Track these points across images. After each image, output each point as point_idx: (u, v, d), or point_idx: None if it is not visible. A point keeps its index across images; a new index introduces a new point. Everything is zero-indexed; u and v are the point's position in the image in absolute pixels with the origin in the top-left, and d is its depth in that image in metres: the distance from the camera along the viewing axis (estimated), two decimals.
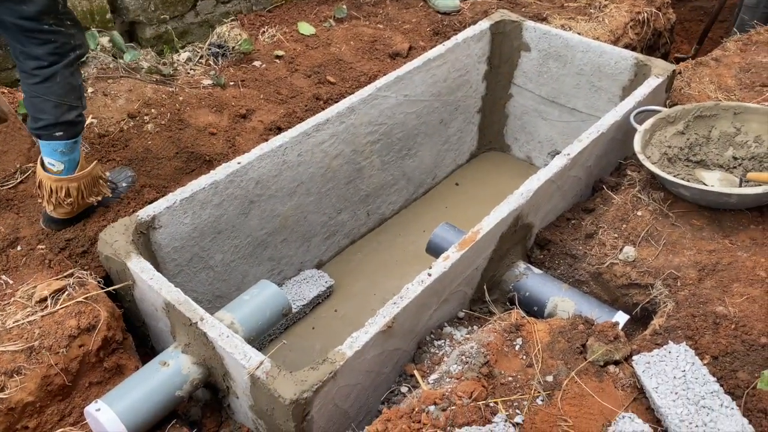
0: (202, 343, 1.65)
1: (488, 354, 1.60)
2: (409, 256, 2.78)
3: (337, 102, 2.55)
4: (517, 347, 1.66)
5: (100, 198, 2.02)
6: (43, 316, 1.67)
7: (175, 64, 2.74)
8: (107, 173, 2.12)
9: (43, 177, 1.89)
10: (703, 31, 4.32)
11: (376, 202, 2.82)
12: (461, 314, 2.01)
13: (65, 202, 1.92)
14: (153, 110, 2.45)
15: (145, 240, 1.95)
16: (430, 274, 1.75)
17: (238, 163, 2.13)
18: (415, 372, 1.69)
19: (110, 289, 1.81)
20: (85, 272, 1.83)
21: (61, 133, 1.83)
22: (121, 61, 2.59)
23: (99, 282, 1.83)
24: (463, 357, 1.60)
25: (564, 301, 1.99)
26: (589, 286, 2.13)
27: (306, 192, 2.43)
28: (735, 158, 2.26)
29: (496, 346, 1.63)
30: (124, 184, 2.15)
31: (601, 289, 2.10)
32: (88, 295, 1.73)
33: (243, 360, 1.54)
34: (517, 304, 2.03)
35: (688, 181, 2.16)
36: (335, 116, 2.39)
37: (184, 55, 2.81)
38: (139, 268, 1.77)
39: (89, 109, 2.40)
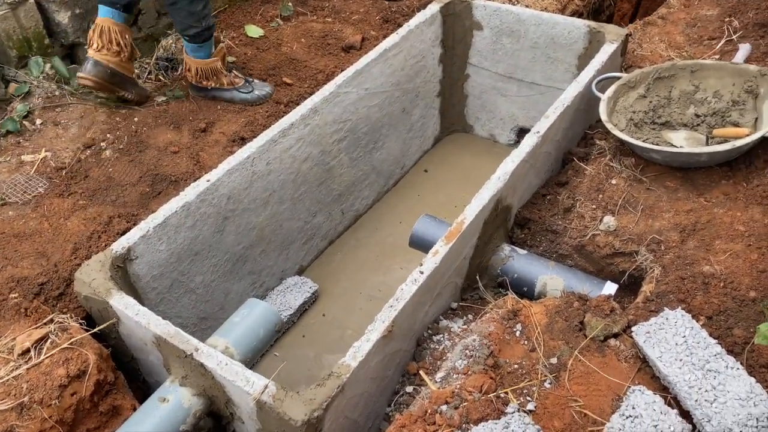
0: (200, 374, 1.60)
1: (491, 345, 1.60)
2: (389, 250, 2.77)
3: (297, 104, 2.50)
4: (517, 333, 1.66)
5: (215, 84, 2.60)
6: (28, 369, 1.60)
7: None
8: (256, 80, 2.70)
9: (184, 55, 2.61)
10: None
11: (349, 200, 2.79)
12: (454, 305, 2.00)
13: (188, 75, 2.63)
14: (109, 135, 2.35)
15: (122, 273, 1.88)
16: (422, 272, 1.73)
17: (207, 180, 2.07)
18: (421, 372, 1.68)
19: (95, 330, 1.74)
20: (64, 316, 1.75)
21: (187, 38, 2.51)
22: (67, 87, 2.48)
23: (81, 324, 1.76)
24: (467, 351, 1.60)
25: (553, 279, 2.01)
26: (573, 260, 2.15)
27: (279, 200, 2.38)
28: (697, 115, 2.30)
29: (498, 336, 1.63)
30: (257, 93, 2.63)
31: (586, 260, 2.12)
32: (72, 339, 1.66)
33: (246, 386, 1.51)
34: (509, 288, 2.03)
35: (657, 144, 2.19)
36: (299, 119, 2.33)
37: None
38: (123, 304, 1.71)
39: (40, 142, 2.29)
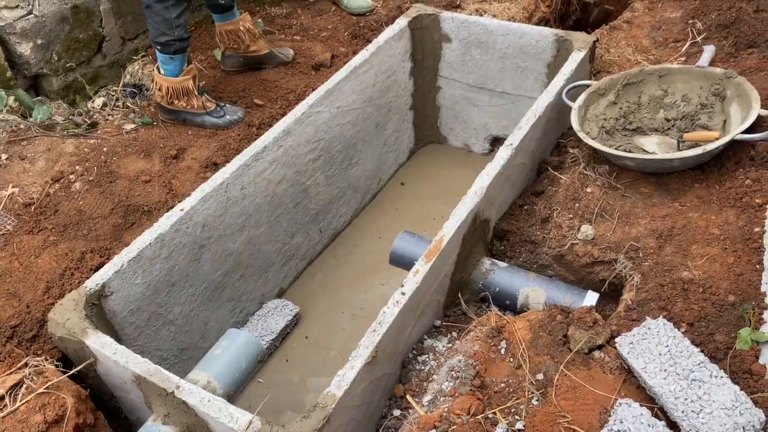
0: (183, 411, 1.57)
1: (477, 364, 1.59)
2: (369, 266, 2.75)
3: (270, 126, 2.48)
4: (502, 350, 1.66)
5: (185, 105, 2.54)
6: (4, 416, 1.55)
7: (91, 112, 2.59)
8: (227, 105, 2.65)
9: (155, 74, 2.55)
10: None
11: (327, 218, 2.77)
12: (438, 323, 1.99)
13: (158, 94, 2.55)
14: (78, 167, 2.30)
15: (98, 310, 1.84)
16: (403, 293, 1.72)
17: (181, 210, 2.04)
18: (408, 396, 1.66)
19: (72, 372, 1.69)
20: (39, 358, 1.70)
21: (159, 47, 2.45)
22: (31, 119, 2.43)
23: (57, 365, 1.71)
24: (453, 372, 1.58)
25: (534, 291, 2.01)
26: (553, 269, 2.16)
27: (255, 224, 2.35)
28: (667, 119, 2.33)
29: (483, 355, 1.62)
30: (228, 117, 2.58)
31: (566, 270, 2.13)
32: (49, 383, 1.61)
33: (230, 422, 1.47)
34: (491, 303, 2.03)
35: (630, 150, 2.20)
36: (272, 142, 2.31)
37: (98, 101, 2.66)
38: (100, 344, 1.66)
39: (6, 178, 2.24)
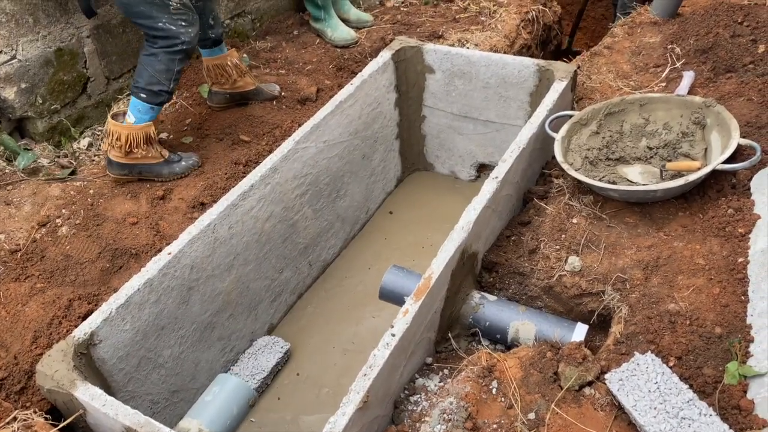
0: None
1: (469, 406, 1.59)
2: (360, 298, 2.75)
3: (257, 162, 2.49)
4: (494, 390, 1.66)
5: (145, 154, 2.44)
6: None
7: (77, 153, 2.59)
8: (179, 153, 2.57)
9: (111, 124, 2.41)
10: (573, 23, 4.50)
11: (316, 251, 2.77)
12: (429, 360, 1.99)
13: (115, 145, 2.41)
14: (64, 211, 2.30)
15: (87, 359, 1.82)
16: (393, 334, 1.72)
17: (169, 253, 2.03)
18: None
19: (62, 425, 1.67)
20: (28, 411, 1.68)
21: (144, 95, 2.38)
22: (16, 163, 2.42)
23: (47, 418, 1.70)
24: (445, 415, 1.58)
25: (524, 324, 2.01)
26: (542, 301, 2.17)
27: (243, 262, 2.35)
28: (650, 148, 2.36)
29: (474, 396, 1.62)
30: (183, 164, 2.52)
31: (555, 301, 2.14)
32: None
33: None
34: (481, 339, 2.03)
35: (613, 181, 2.23)
36: (259, 180, 2.32)
37: (84, 141, 2.66)
38: (89, 395, 1.65)
39: None
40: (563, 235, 2.18)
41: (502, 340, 2.06)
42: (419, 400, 1.82)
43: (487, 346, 2.10)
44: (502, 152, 3.11)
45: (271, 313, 2.59)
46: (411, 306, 1.79)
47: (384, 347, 1.70)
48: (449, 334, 2.08)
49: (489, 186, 2.16)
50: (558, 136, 2.33)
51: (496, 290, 2.25)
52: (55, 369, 1.71)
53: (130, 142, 2.39)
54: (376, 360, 1.67)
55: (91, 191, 2.39)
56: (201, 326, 2.23)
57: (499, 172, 2.21)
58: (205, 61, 2.80)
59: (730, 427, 1.38)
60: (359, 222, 3.05)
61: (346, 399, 1.60)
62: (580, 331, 1.96)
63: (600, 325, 2.05)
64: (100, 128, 2.71)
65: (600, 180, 2.19)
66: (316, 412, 2.35)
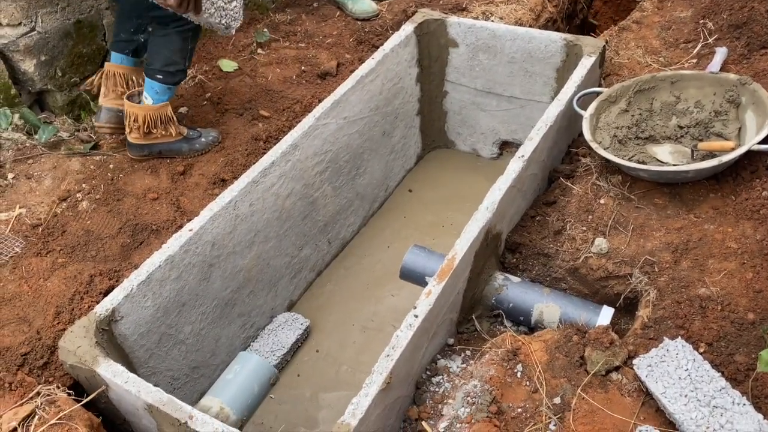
0: None
1: (493, 389, 1.57)
2: (379, 277, 2.72)
3: (276, 139, 2.46)
4: (518, 374, 1.63)
5: (164, 133, 2.40)
6: None
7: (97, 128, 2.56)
8: (199, 129, 2.53)
9: (128, 106, 2.37)
10: None
11: (335, 228, 2.75)
12: (451, 341, 1.97)
13: (133, 127, 2.38)
14: (84, 185, 2.28)
15: (108, 336, 1.82)
16: (416, 315, 1.70)
17: (190, 230, 2.02)
18: (423, 423, 1.64)
19: (85, 401, 1.67)
20: (51, 387, 1.69)
21: (161, 77, 2.34)
22: (36, 137, 2.41)
23: (70, 393, 1.70)
24: (469, 398, 1.56)
25: (549, 307, 1.98)
26: (567, 283, 2.13)
27: (264, 239, 2.33)
28: (680, 127, 2.29)
29: (499, 379, 1.60)
30: (204, 140, 2.48)
31: (580, 283, 2.10)
32: (61, 414, 1.60)
33: None
34: (505, 321, 2.00)
35: (642, 160, 2.17)
36: (280, 157, 2.29)
37: None
38: (111, 372, 1.65)
39: (13, 198, 2.22)
40: (590, 216, 2.13)
41: (525, 322, 2.03)
42: (441, 381, 1.80)
43: (509, 327, 2.07)
44: (526, 130, 3.05)
45: (291, 290, 2.58)
46: (434, 287, 1.76)
47: (407, 328, 1.67)
48: (472, 315, 2.05)
49: (515, 165, 2.11)
50: (586, 114, 2.27)
51: (520, 271, 2.21)
52: (77, 345, 1.71)
53: (148, 123, 2.36)
54: (399, 341, 1.65)
55: (111, 166, 2.37)
56: (222, 303, 2.22)
57: (525, 150, 2.16)
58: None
59: (765, 417, 1.34)
60: (378, 200, 3.01)
61: (369, 380, 1.58)
62: (606, 315, 1.92)
63: (626, 308, 2.01)
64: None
65: (629, 159, 2.13)
66: (335, 390, 2.35)
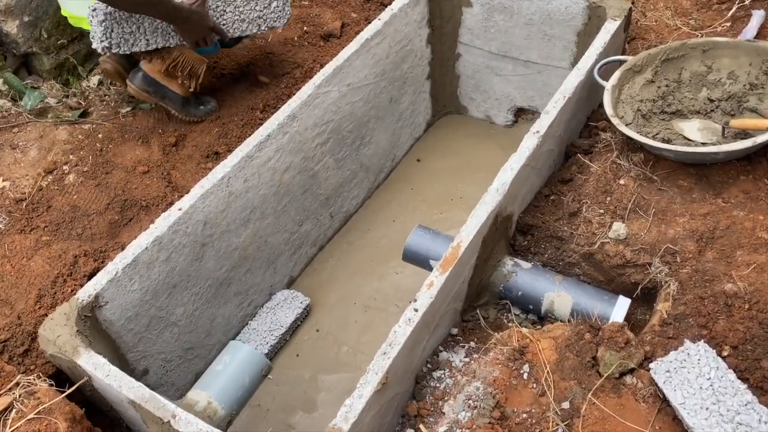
0: None
1: (496, 393, 1.46)
2: (383, 252, 2.60)
3: (274, 108, 2.31)
4: (525, 375, 1.52)
5: (179, 83, 2.30)
6: None
7: (86, 92, 2.43)
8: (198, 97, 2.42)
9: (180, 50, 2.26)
10: None
11: (338, 202, 2.62)
12: (454, 331, 1.86)
13: (158, 57, 2.25)
14: (71, 156, 2.16)
15: (92, 322, 1.73)
16: (416, 309, 1.58)
17: (179, 209, 1.89)
18: (421, 426, 1.54)
19: (66, 393, 1.59)
20: (31, 377, 1.60)
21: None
22: (22, 103, 2.28)
23: (51, 384, 1.61)
24: (471, 401, 1.46)
25: (560, 296, 1.85)
26: (581, 268, 2.00)
27: (261, 216, 2.21)
28: (711, 100, 2.10)
29: (503, 382, 1.49)
30: (202, 108, 2.39)
31: (595, 270, 1.96)
32: (41, 407, 1.52)
33: None
34: (512, 311, 1.88)
35: (668, 138, 2.00)
36: (277, 129, 2.14)
37: (93, 79, 2.50)
38: (92, 365, 1.56)
39: None
40: (608, 198, 1.97)
41: (535, 311, 1.91)
42: (443, 376, 1.70)
43: (517, 315, 1.95)
44: (544, 96, 2.87)
45: (291, 266, 2.47)
46: (436, 278, 1.64)
47: (406, 323, 1.56)
48: (477, 303, 1.93)
49: (529, 142, 1.95)
50: (608, 85, 2.09)
51: (531, 254, 2.08)
52: (57, 334, 1.62)
53: (178, 63, 2.24)
54: (397, 337, 1.53)
55: (100, 135, 2.25)
56: (216, 282, 2.12)
57: (541, 125, 1.99)
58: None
59: None
60: (384, 170, 2.87)
61: (363, 380, 1.47)
62: (621, 306, 1.79)
63: (643, 297, 1.88)
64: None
65: (654, 137, 1.96)
66: (336, 372, 2.27)
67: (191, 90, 2.33)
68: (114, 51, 2.04)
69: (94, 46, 2.06)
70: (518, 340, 1.58)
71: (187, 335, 2.08)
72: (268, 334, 2.29)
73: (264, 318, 2.33)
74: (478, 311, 1.91)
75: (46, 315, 1.71)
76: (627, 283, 1.89)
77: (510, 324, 1.90)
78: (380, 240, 2.67)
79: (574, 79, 2.14)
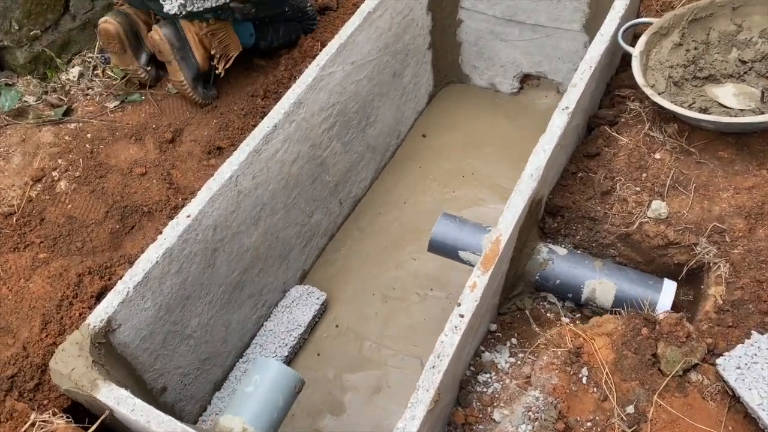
0: None
1: (558, 402, 1.36)
2: (397, 237, 2.48)
3: (276, 93, 2.14)
4: (584, 379, 1.42)
5: (208, 55, 2.19)
6: None
7: (66, 86, 2.23)
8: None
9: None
10: None
11: (346, 187, 2.47)
12: (493, 327, 1.75)
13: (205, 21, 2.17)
14: (60, 161, 1.98)
15: (106, 347, 1.59)
16: (462, 315, 1.46)
17: (188, 216, 1.74)
18: None
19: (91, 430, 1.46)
20: (46, 414, 1.47)
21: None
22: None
23: (69, 420, 1.48)
24: (531, 413, 1.36)
25: (602, 284, 1.75)
26: (616, 249, 1.89)
27: (271, 212, 2.06)
28: (742, 62, 1.98)
29: (563, 389, 1.39)
30: (207, 91, 2.25)
31: (632, 250, 1.87)
32: None
33: None
34: (549, 299, 1.78)
35: (705, 107, 1.87)
36: (283, 118, 1.98)
37: (73, 71, 2.29)
38: (114, 399, 1.43)
39: None
40: (644, 174, 1.86)
41: (574, 299, 1.82)
42: (489, 380, 1.60)
43: (553, 304, 1.86)
44: (552, 61, 2.73)
45: (303, 260, 2.34)
46: (479, 278, 1.52)
47: (452, 331, 1.44)
48: (512, 294, 1.83)
49: (559, 120, 1.82)
50: (635, 51, 1.96)
51: (561, 237, 1.97)
52: (71, 367, 1.48)
53: (217, 34, 2.15)
54: (444, 348, 1.42)
55: (89, 135, 2.06)
56: (230, 287, 1.99)
57: (570, 100, 1.86)
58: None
59: None
60: (390, 149, 2.72)
61: (414, 398, 1.36)
62: (668, 291, 1.70)
63: (686, 278, 1.79)
64: (90, 54, 2.32)
65: (690, 107, 1.84)
66: (361, 369, 2.16)
67: (217, 70, 2.21)
68: (188, 9, 1.98)
69: (166, 9, 1.98)
70: (572, 340, 1.48)
71: (203, 346, 1.96)
72: (287, 335, 2.17)
73: (280, 318, 2.21)
74: (515, 303, 1.81)
75: (55, 344, 1.57)
76: (669, 264, 1.80)
77: (548, 314, 1.80)
78: (392, 224, 2.54)
79: (598, 46, 2.00)
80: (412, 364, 2.14)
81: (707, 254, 1.68)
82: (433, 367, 1.40)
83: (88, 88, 2.25)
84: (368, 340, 2.23)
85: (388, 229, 2.52)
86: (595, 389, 1.40)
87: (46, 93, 2.19)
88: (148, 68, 2.23)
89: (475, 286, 1.51)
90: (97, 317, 1.56)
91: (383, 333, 2.24)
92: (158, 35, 2.08)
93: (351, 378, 2.15)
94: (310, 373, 2.17)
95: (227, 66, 2.17)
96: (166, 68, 2.17)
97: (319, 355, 2.21)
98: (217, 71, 2.17)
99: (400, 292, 2.33)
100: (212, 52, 2.17)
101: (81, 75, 2.29)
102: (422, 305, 2.30)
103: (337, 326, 2.27)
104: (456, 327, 1.45)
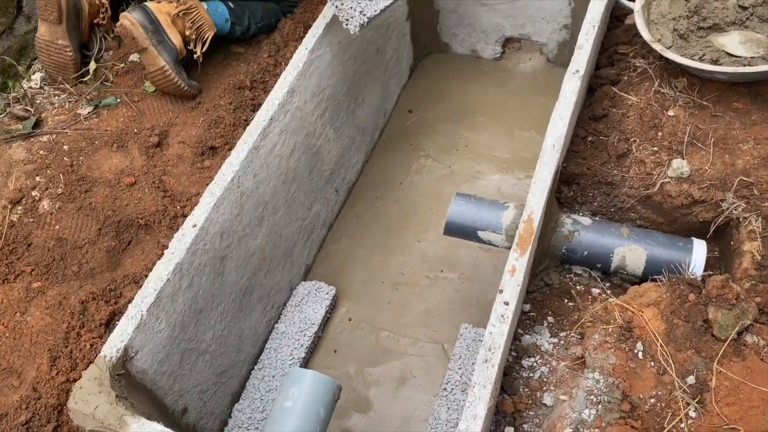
0: None
1: (619, 382, 1.31)
2: (397, 221, 2.39)
3: (263, 83, 2.01)
4: (640, 354, 1.37)
5: (181, 40, 2.07)
6: None
7: (30, 95, 2.04)
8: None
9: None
10: None
11: (341, 174, 2.36)
12: (527, 307, 1.69)
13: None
14: (38, 178, 1.82)
15: (126, 377, 1.47)
16: (506, 302, 1.39)
17: (194, 226, 1.62)
18: None
19: None
20: None
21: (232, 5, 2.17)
22: None
23: None
24: (593, 397, 1.31)
25: (632, 250, 1.70)
26: (636, 212, 1.85)
27: (273, 210, 1.95)
28: (743, 7, 1.93)
29: (623, 368, 1.34)
30: (190, 81, 2.11)
31: (653, 212, 1.82)
32: None
33: None
34: (593, 282, 1.73)
35: (715, 58, 1.82)
36: (278, 109, 1.85)
37: (35, 77, 2.10)
38: None
39: None
40: (659, 133, 1.81)
41: (603, 269, 1.77)
42: (535, 364, 1.54)
43: (580, 275, 1.81)
44: (536, 21, 2.65)
45: (306, 254, 2.24)
46: (517, 261, 1.45)
47: (499, 321, 1.38)
48: (538, 270, 1.77)
49: (571, 84, 1.74)
50: (637, 6, 1.89)
51: (578, 204, 1.92)
52: (94, 405, 1.36)
53: (189, 13, 2.04)
54: (495, 339, 1.35)
55: (65, 147, 1.89)
56: (239, 294, 1.88)
57: (579, 63, 1.79)
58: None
59: None
60: (378, 128, 2.61)
61: (472, 396, 1.29)
62: (700, 251, 1.66)
63: (712, 234, 1.76)
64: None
65: (701, 59, 1.79)
66: (381, 362, 2.09)
67: (195, 54, 2.07)
68: None
69: None
70: (620, 315, 1.43)
71: (219, 358, 1.85)
72: (300, 335, 2.07)
73: (291, 318, 2.11)
74: (542, 279, 1.75)
75: (68, 381, 1.44)
76: (693, 222, 1.76)
77: (578, 287, 1.75)
78: (391, 207, 2.45)
79: (597, 5, 1.92)
80: (434, 351, 2.08)
81: (735, 209, 1.65)
82: (486, 361, 1.33)
83: (53, 95, 2.07)
84: (384, 330, 2.15)
85: (387, 214, 2.43)
86: (652, 363, 1.36)
87: (8, 105, 2.00)
88: (77, 54, 2.07)
89: (514, 270, 1.44)
90: (112, 347, 1.44)
91: (399, 321, 2.17)
92: (128, 20, 1.91)
93: (373, 372, 2.08)
94: (330, 372, 2.07)
95: (204, 50, 2.01)
96: (125, 60, 2.02)
97: (335, 351, 2.12)
98: (195, 56, 2.01)
99: (409, 277, 2.25)
100: (187, 33, 2.01)
101: (43, 81, 2.10)
102: (435, 288, 2.23)
103: (350, 320, 2.18)
104: (503, 316, 1.38)
